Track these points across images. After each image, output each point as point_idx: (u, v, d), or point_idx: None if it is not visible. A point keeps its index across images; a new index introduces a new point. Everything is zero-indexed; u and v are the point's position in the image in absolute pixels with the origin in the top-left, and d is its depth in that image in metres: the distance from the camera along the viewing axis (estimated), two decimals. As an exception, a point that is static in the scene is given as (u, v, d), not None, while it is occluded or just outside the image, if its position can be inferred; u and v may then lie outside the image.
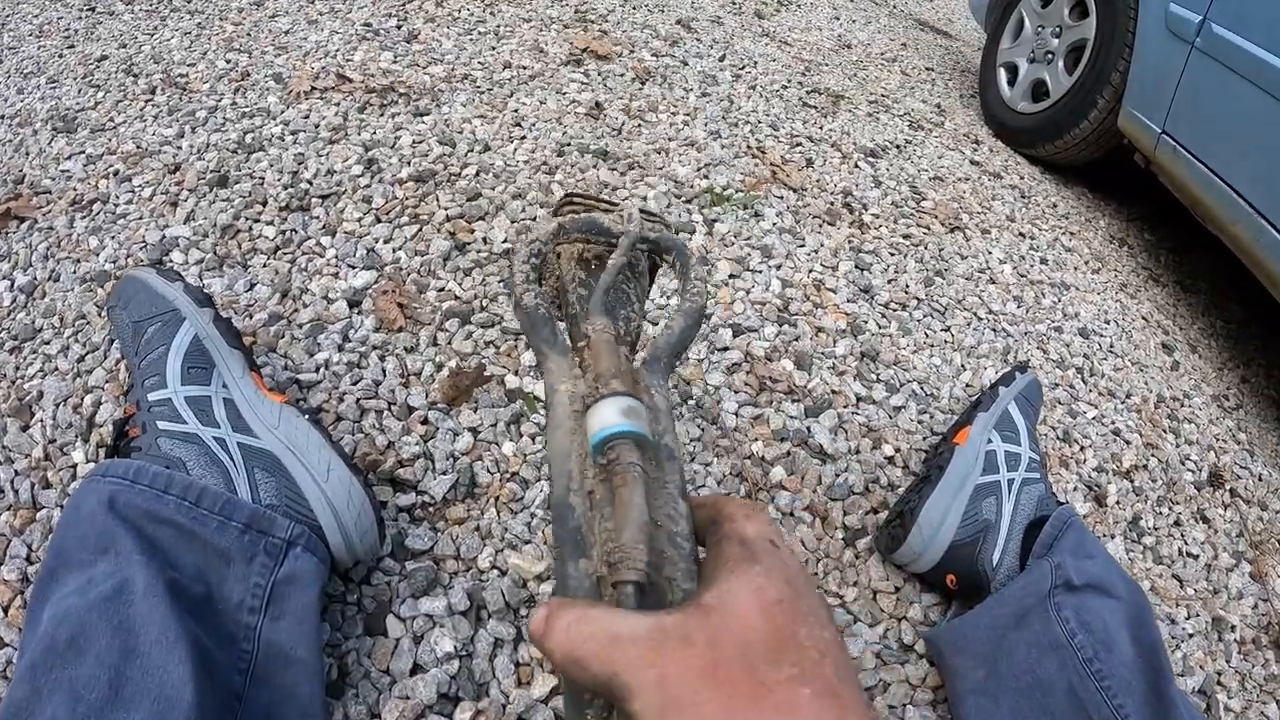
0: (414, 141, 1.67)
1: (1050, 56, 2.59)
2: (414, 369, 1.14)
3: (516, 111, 1.91)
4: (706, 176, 1.79)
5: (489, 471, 1.03)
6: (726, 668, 0.33)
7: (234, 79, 1.80)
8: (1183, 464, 1.54)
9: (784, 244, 1.63)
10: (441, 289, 1.29)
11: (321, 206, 1.41)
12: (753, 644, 0.36)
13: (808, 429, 1.25)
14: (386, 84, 1.87)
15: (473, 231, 1.45)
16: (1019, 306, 1.73)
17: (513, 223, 1.50)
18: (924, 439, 1.30)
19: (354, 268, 1.28)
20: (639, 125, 1.94)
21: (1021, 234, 2.06)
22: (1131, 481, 1.42)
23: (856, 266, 1.63)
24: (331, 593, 0.86)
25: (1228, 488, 1.51)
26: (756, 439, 1.21)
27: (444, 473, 1.02)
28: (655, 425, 0.48)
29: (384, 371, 1.13)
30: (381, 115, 1.76)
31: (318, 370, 1.11)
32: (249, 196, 1.40)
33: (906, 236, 1.79)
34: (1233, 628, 1.23)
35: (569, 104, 1.98)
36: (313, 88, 1.81)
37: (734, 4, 3.14)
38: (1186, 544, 1.37)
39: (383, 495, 0.96)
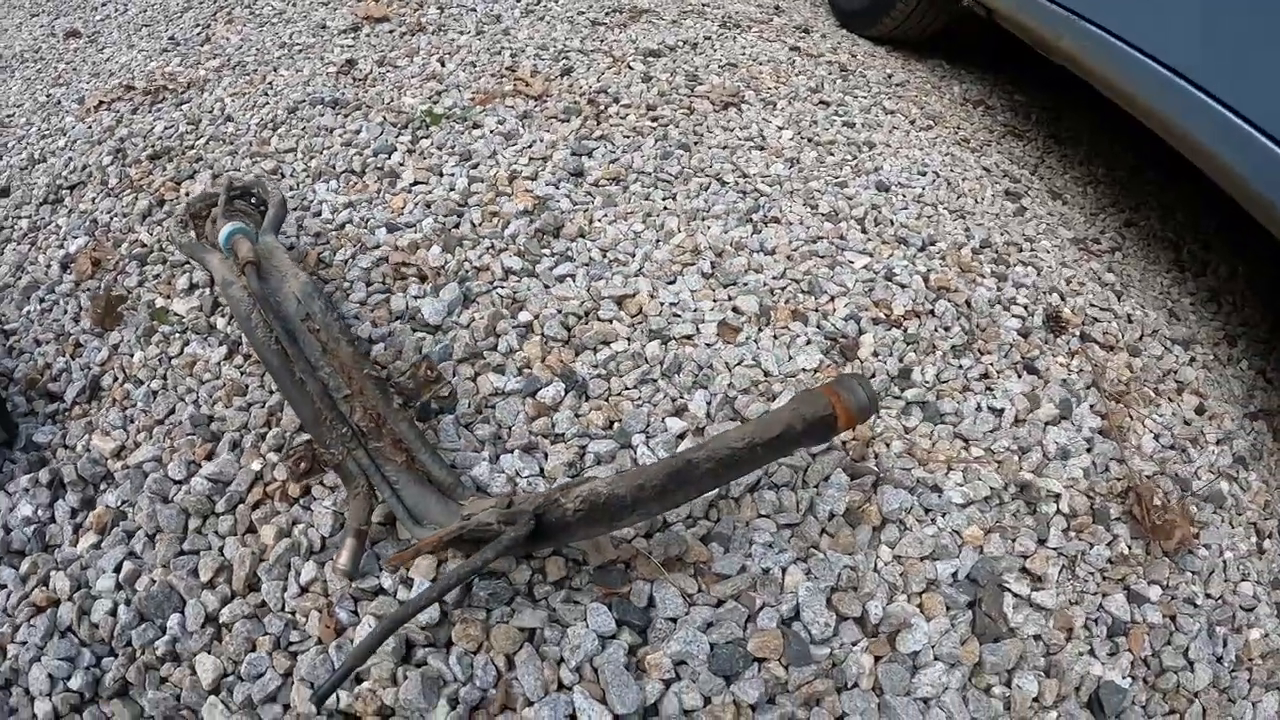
0: (165, 127, 1.75)
1: None
2: (85, 306, 1.31)
3: (271, 84, 1.86)
4: (436, 102, 1.67)
5: (113, 378, 1.18)
6: None
7: (47, 109, 1.96)
8: (1005, 308, 1.36)
9: (490, 146, 1.51)
10: (135, 240, 1.42)
11: (70, 195, 1.59)
12: None
13: (419, 307, 1.10)
14: (162, 85, 1.95)
15: (178, 189, 1.54)
16: (791, 167, 1.59)
17: (214, 177, 1.55)
18: (593, 303, 1.15)
19: (76, 237, 1.45)
20: (386, 72, 1.86)
21: (825, 102, 1.90)
22: (903, 329, 1.25)
23: (573, 154, 1.50)
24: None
25: (1076, 332, 1.35)
26: (370, 320, 1.17)
27: (77, 382, 1.18)
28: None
29: (65, 311, 1.31)
30: (149, 112, 1.84)
31: (19, 320, 1.32)
32: (19, 199, 1.61)
33: (655, 120, 1.66)
34: (1055, 497, 1.05)
35: (324, 65, 1.90)
36: (101, 102, 1.92)
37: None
38: (993, 397, 1.18)
39: (38, 406, 1.17)
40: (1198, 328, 1.55)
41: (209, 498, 0.95)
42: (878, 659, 0.84)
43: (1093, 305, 1.44)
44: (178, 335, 1.21)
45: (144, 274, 1.34)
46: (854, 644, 0.84)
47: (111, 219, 1.48)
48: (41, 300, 1.34)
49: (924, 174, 1.71)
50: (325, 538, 0.91)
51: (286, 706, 0.80)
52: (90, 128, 1.80)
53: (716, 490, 0.91)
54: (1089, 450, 1.13)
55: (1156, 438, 1.20)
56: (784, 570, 0.86)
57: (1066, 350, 1.30)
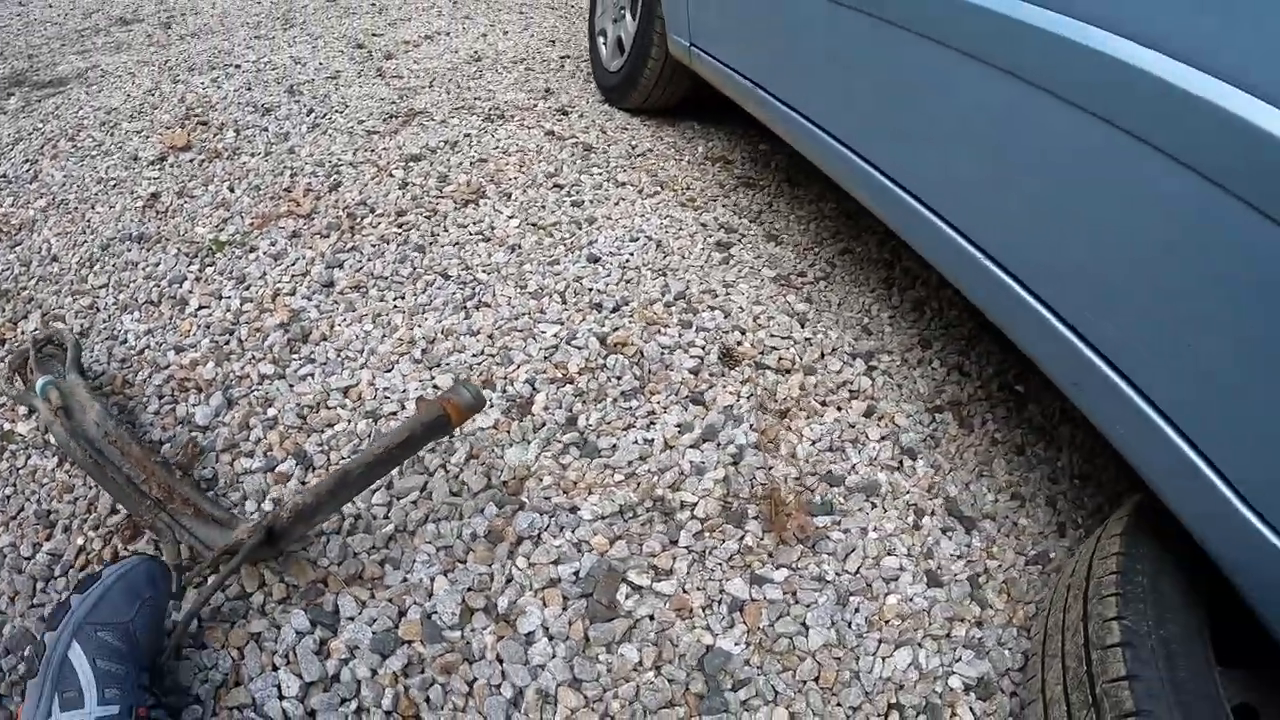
0: (2, 269, 2.05)
1: (623, 12, 2.72)
2: None
3: (89, 221, 2.21)
4: (221, 230, 2.05)
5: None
6: None
7: None
8: (685, 351, 1.70)
9: (261, 268, 1.89)
10: None
11: None
12: None
13: (194, 413, 1.53)
14: None
15: (15, 329, 1.84)
16: (511, 253, 1.99)
17: (44, 316, 1.87)
18: (324, 395, 1.56)
19: None
20: (184, 203, 2.23)
21: (559, 185, 2.32)
22: (574, 385, 1.58)
23: (327, 266, 1.89)
24: None
25: (750, 363, 1.62)
26: (161, 427, 1.54)
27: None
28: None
29: None
30: None
31: None
32: None
33: (401, 225, 2.06)
34: (690, 506, 1.33)
35: (133, 200, 2.26)
36: None
37: (362, 54, 3.42)
38: (650, 430, 1.47)
39: None
40: (891, 338, 1.76)
41: (49, 566, 1.30)
42: (500, 638, 1.13)
43: (773, 336, 1.71)
44: (22, 451, 1.52)
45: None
46: (483, 628, 1.16)
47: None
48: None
49: (636, 240, 2.12)
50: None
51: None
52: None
53: (370, 492, 1.32)
54: (735, 464, 1.39)
55: (814, 443, 1.46)
56: (432, 579, 1.27)
57: (740, 380, 1.58)
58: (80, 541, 1.34)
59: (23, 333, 1.83)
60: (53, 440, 1.49)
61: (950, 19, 1.23)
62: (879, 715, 1.09)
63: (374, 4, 4.39)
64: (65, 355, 1.60)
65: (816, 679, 1.13)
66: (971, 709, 1.11)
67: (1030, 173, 1.10)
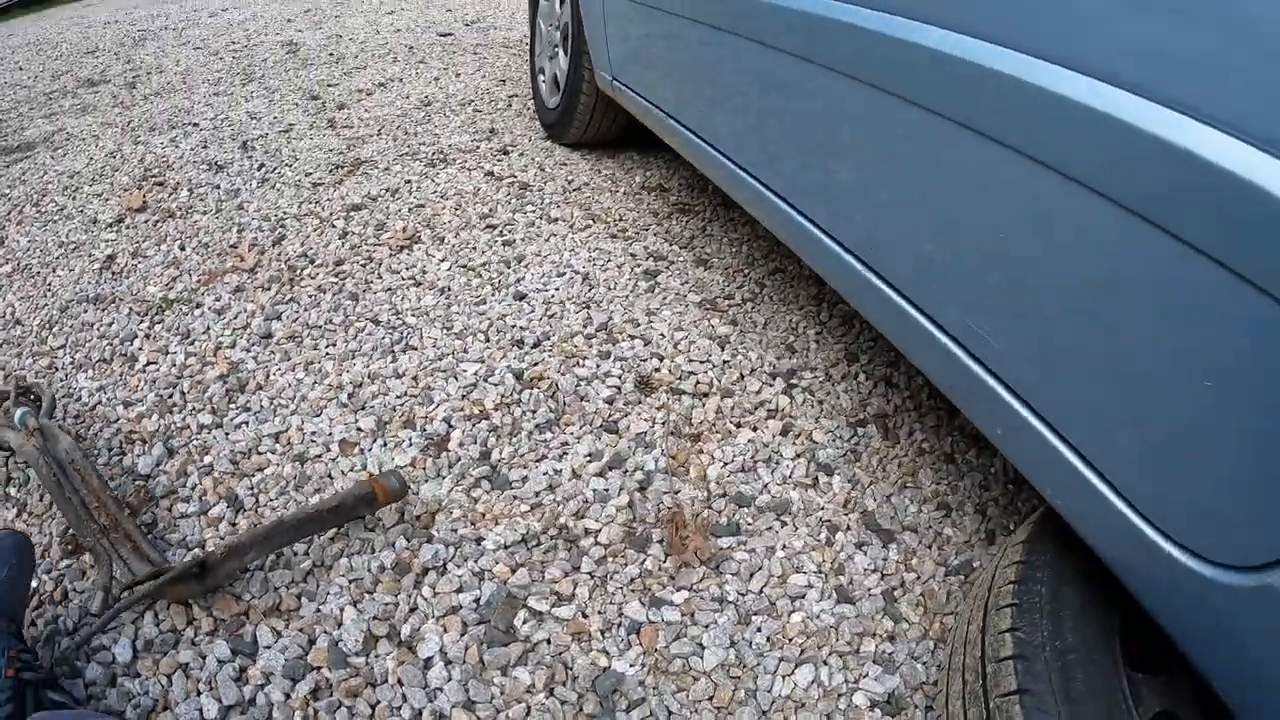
0: None
1: (556, 50, 2.76)
2: None
3: (50, 284, 2.35)
4: (171, 288, 2.19)
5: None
6: None
7: None
8: (601, 381, 1.78)
9: (205, 323, 2.03)
10: None
11: None
12: None
13: (137, 463, 1.65)
14: None
15: None
16: (441, 296, 2.12)
17: (4, 377, 1.97)
18: (257, 441, 1.69)
19: None
20: (138, 264, 2.36)
21: (492, 226, 2.45)
22: (489, 420, 1.64)
23: (266, 318, 2.03)
24: None
25: (664, 389, 1.66)
26: (109, 476, 1.62)
27: None
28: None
29: None
30: None
31: None
32: None
33: (338, 275, 2.19)
34: (593, 534, 1.36)
35: (90, 263, 2.40)
36: None
37: (316, 105, 3.57)
38: (560, 461, 1.51)
39: None
40: (815, 355, 1.77)
41: None
42: (401, 663, 1.19)
43: (692, 361, 1.74)
44: None
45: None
46: (385, 654, 1.21)
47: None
48: None
49: (563, 274, 2.23)
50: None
51: None
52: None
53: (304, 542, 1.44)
54: (641, 490, 1.42)
55: (725, 465, 1.48)
56: (342, 609, 1.39)
57: (655, 406, 1.61)
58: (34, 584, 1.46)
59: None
60: (15, 482, 1.63)
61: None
62: (776, 734, 1.09)
63: (332, 54, 4.54)
64: (39, 405, 1.74)
65: (711, 698, 1.13)
66: (878, 725, 1.09)
67: (882, 172, 1.13)
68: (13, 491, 1.66)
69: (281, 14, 6.32)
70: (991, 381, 0.98)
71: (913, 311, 1.12)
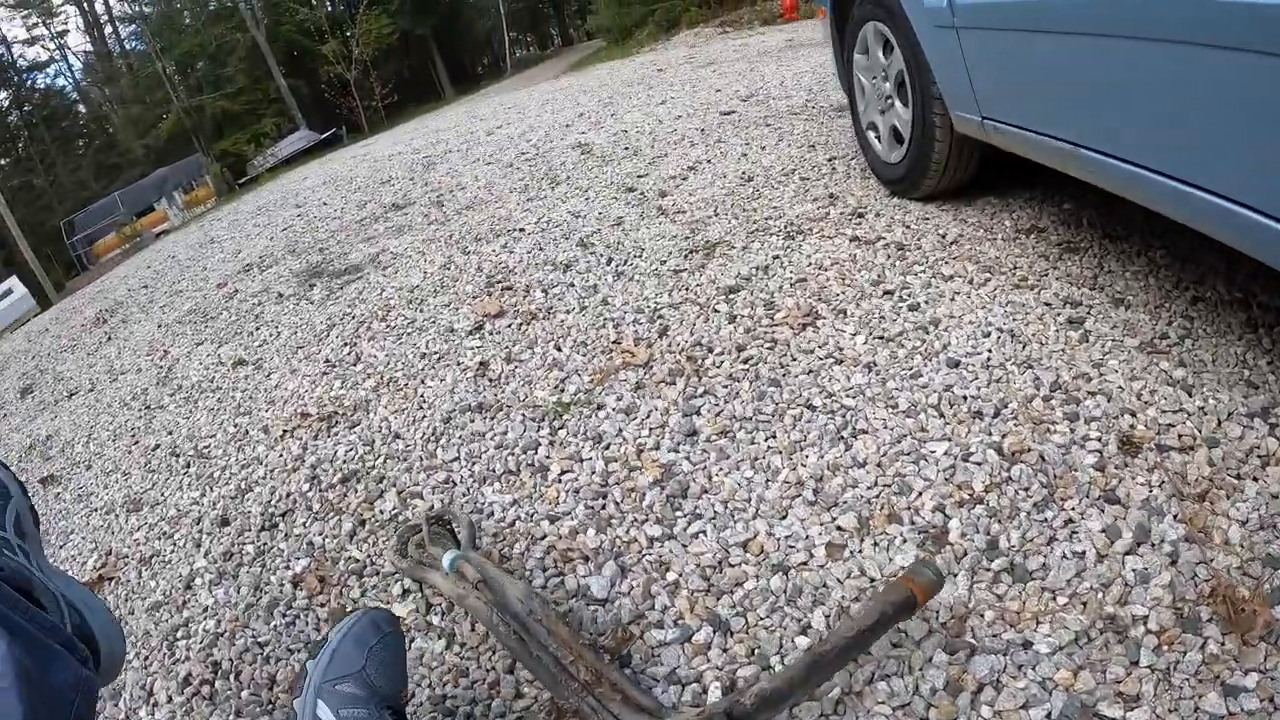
0: (346, 450, 2.14)
1: (890, 101, 2.57)
2: (324, 617, 1.60)
3: (423, 396, 2.25)
4: (562, 390, 2.02)
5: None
6: None
7: (238, 439, 2.44)
8: (1081, 446, 1.51)
9: (615, 425, 1.82)
10: (349, 557, 1.72)
11: (284, 521, 1.93)
12: None
13: (588, 585, 1.44)
14: (332, 410, 2.37)
15: (372, 508, 1.88)
16: (869, 373, 1.83)
17: (399, 494, 1.90)
18: (723, 552, 1.43)
19: (299, 559, 1.78)
20: (515, 368, 2.23)
21: (889, 292, 2.16)
22: (985, 504, 1.43)
23: (684, 415, 1.79)
24: None
25: (1152, 446, 1.42)
26: (553, 600, 1.47)
27: None
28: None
29: (307, 623, 1.61)
30: (329, 436, 2.25)
31: (269, 633, 1.63)
32: (239, 526, 1.96)
33: (746, 361, 1.95)
34: (1142, 620, 1.14)
35: (462, 372, 2.30)
36: (285, 431, 2.36)
37: (635, 197, 3.45)
38: (1076, 541, 1.32)
39: None
40: (1277, 387, 1.52)
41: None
42: None
43: (1164, 411, 1.49)
44: (405, 633, 1.47)
45: (363, 585, 1.63)
46: None
47: (324, 540, 1.78)
48: (284, 614, 1.63)
49: (988, 335, 1.90)
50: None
51: None
52: (281, 456, 2.21)
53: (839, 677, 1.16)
54: (1173, 564, 1.20)
55: (1243, 524, 1.24)
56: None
57: (1146, 467, 1.38)
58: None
59: (380, 512, 1.85)
60: (441, 608, 1.45)
61: None
62: None
63: (626, 148, 4.49)
64: (454, 534, 1.55)
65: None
66: None
67: None
68: (434, 620, 1.50)
69: (556, 121, 6.48)
70: None
71: None
